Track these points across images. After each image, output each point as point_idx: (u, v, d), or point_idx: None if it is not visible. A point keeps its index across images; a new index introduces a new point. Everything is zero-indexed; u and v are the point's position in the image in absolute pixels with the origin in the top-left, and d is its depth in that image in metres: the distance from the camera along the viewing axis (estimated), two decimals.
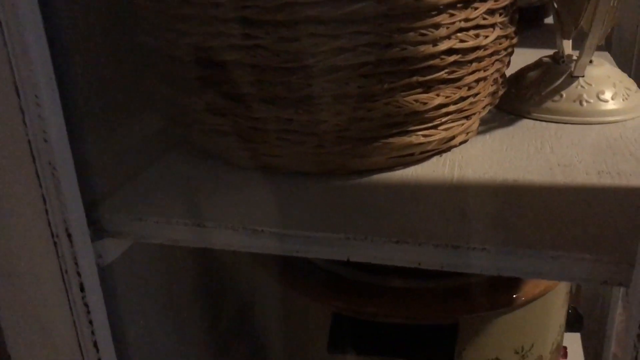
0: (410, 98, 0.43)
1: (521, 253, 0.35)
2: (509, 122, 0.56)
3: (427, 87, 0.44)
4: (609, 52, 0.84)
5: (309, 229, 0.39)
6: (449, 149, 0.49)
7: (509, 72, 0.63)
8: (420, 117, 0.45)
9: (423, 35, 0.41)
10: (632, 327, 0.32)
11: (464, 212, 0.41)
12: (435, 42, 0.42)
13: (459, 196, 0.43)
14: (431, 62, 0.43)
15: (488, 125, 0.55)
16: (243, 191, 0.45)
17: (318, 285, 0.57)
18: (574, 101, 0.56)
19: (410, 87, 0.43)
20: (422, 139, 0.46)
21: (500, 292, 0.56)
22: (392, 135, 0.45)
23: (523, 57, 0.63)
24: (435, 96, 0.44)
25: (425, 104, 0.44)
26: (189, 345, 0.65)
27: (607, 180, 0.44)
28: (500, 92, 0.52)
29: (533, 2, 1.01)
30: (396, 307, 0.55)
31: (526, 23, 0.88)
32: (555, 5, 0.59)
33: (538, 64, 0.61)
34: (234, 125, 0.45)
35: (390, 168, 0.47)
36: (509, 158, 0.48)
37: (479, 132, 0.53)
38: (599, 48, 0.84)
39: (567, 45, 0.61)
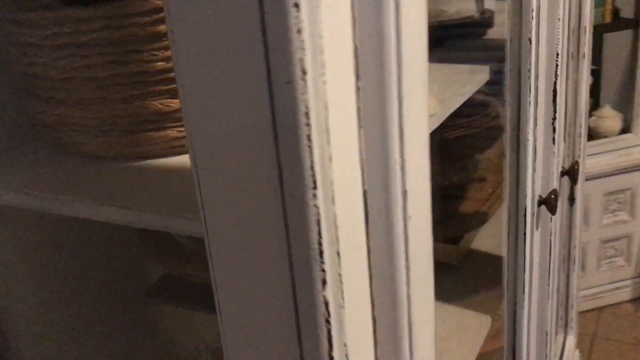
0: (157, 102, 0.57)
1: None
2: None
3: (174, 93, 0.58)
4: None
5: (58, 192, 0.55)
6: None
7: None
8: (172, 117, 0.59)
9: (154, 55, 0.55)
10: None
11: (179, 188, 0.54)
12: (168, 59, 0.56)
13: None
14: (169, 75, 0.56)
15: None
16: (46, 167, 0.61)
17: (153, 247, 0.72)
18: None
19: (158, 94, 0.57)
20: (179, 134, 0.59)
21: None
22: (150, 130, 0.59)
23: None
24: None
25: (170, 106, 0.58)
26: (60, 311, 0.82)
27: None
28: None
29: (470, 18, 1.07)
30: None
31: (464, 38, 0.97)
32: None
33: None
34: (49, 119, 0.62)
35: (166, 155, 0.61)
36: None
37: None
38: None
39: None
